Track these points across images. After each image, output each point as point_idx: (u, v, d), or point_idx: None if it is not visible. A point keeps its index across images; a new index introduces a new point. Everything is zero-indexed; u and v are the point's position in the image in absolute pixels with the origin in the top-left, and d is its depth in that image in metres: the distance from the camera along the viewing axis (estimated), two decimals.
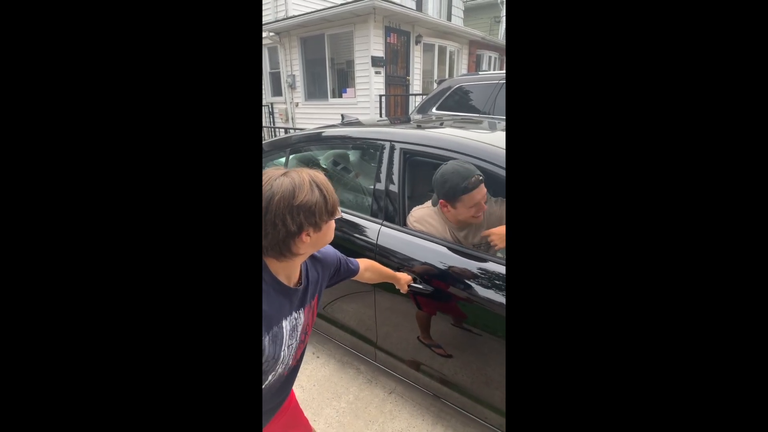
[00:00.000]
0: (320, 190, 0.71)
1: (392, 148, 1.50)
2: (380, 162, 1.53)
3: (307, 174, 0.71)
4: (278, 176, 0.69)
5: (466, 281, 1.24)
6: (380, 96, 6.70)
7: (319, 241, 0.76)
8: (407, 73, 7.51)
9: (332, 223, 0.77)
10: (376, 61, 6.59)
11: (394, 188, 1.48)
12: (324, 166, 2.26)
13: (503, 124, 1.85)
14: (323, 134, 1.87)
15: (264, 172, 0.71)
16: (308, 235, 0.71)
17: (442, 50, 8.33)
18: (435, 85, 6.00)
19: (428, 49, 7.96)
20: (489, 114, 3.58)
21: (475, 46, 9.29)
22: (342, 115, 2.19)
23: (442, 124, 1.80)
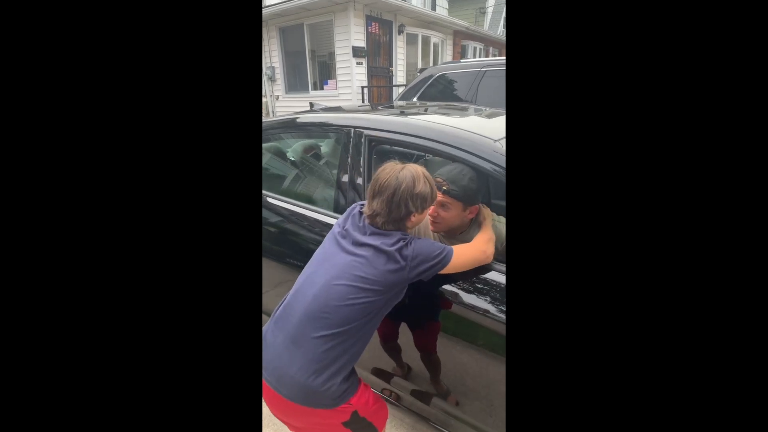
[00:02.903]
0: (429, 183, 0.96)
1: (367, 137, 1.32)
2: (346, 151, 1.36)
3: (420, 169, 0.96)
4: (400, 169, 0.94)
5: (446, 287, 1.10)
6: (362, 87, 6.51)
7: (418, 222, 0.99)
8: (390, 64, 7.32)
9: (428, 210, 1.02)
10: (357, 52, 6.38)
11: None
12: (292, 159, 2.09)
13: (489, 110, 1.70)
14: (298, 120, 1.67)
15: (385, 165, 0.97)
16: (414, 216, 0.96)
17: (425, 41, 8.16)
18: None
19: (412, 40, 7.78)
20: (471, 103, 3.44)
21: (460, 36, 9.14)
22: (311, 104, 2.01)
23: (426, 110, 1.64)
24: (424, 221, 1.28)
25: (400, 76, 7.56)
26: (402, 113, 1.39)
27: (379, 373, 1.38)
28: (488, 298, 1.03)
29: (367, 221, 0.97)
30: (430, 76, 3.83)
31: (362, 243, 0.94)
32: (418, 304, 1.18)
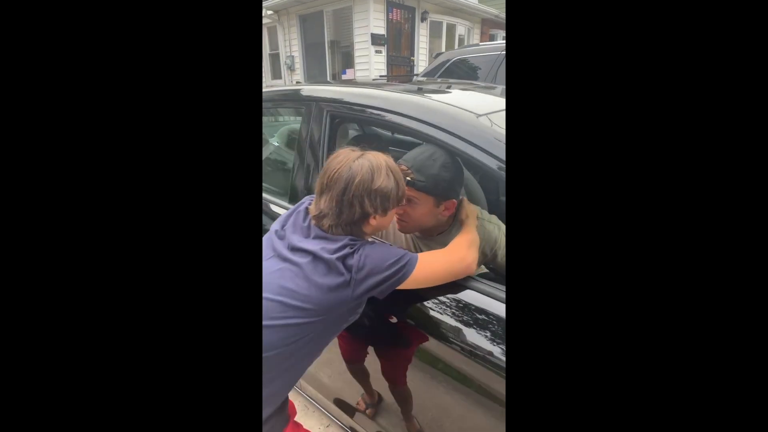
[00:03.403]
0: (394, 176, 0.73)
1: (329, 112, 1.08)
2: (306, 131, 1.12)
3: (382, 158, 0.74)
4: (356, 158, 0.72)
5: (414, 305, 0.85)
6: (380, 77, 6.25)
7: (380, 226, 0.77)
8: (412, 54, 7.01)
9: (395, 212, 0.78)
10: (376, 39, 6.13)
11: None
12: (276, 144, 1.89)
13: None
14: (302, 92, 1.26)
15: (338, 152, 0.75)
16: (374, 218, 0.73)
17: (450, 29, 7.78)
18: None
19: (436, 29, 7.41)
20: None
21: (488, 25, 8.68)
22: (297, 82, 1.79)
23: (449, 87, 1.37)
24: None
25: (422, 66, 7.24)
26: (419, 90, 1.14)
27: (342, 405, 1.15)
28: (487, 334, 0.76)
29: (313, 222, 0.76)
30: (447, 61, 3.62)
31: (299, 248, 0.72)
32: (380, 326, 0.94)
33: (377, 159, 0.73)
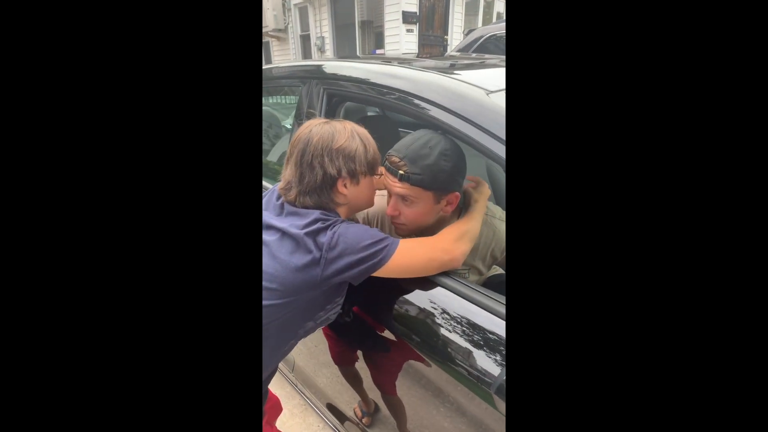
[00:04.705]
0: (361, 140, 0.69)
1: (325, 90, 0.98)
2: (300, 114, 1.02)
3: (349, 124, 0.70)
4: (318, 123, 0.69)
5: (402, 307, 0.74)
6: (405, 53, 6.02)
7: (357, 198, 0.71)
8: (446, 32, 6.68)
9: (372, 184, 0.73)
10: (407, 17, 5.87)
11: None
12: (289, 127, 1.80)
13: None
14: (324, 68, 1.02)
15: (306, 122, 0.72)
16: (345, 186, 0.68)
17: (488, 5, 7.34)
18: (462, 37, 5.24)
19: (472, 6, 7.00)
20: None
21: None
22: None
23: (483, 62, 1.22)
24: (381, 211, 0.91)
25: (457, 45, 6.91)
26: (452, 66, 1.00)
27: (335, 410, 1.08)
28: (498, 358, 0.63)
29: (283, 198, 0.72)
30: (480, 37, 3.43)
31: (269, 225, 0.67)
32: (363, 326, 0.84)
33: (342, 124, 0.69)
